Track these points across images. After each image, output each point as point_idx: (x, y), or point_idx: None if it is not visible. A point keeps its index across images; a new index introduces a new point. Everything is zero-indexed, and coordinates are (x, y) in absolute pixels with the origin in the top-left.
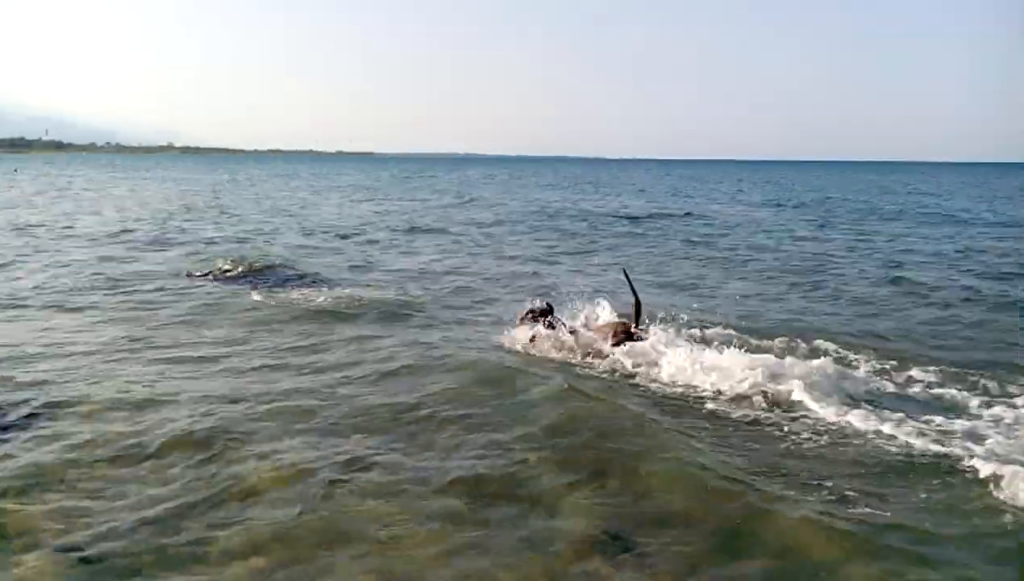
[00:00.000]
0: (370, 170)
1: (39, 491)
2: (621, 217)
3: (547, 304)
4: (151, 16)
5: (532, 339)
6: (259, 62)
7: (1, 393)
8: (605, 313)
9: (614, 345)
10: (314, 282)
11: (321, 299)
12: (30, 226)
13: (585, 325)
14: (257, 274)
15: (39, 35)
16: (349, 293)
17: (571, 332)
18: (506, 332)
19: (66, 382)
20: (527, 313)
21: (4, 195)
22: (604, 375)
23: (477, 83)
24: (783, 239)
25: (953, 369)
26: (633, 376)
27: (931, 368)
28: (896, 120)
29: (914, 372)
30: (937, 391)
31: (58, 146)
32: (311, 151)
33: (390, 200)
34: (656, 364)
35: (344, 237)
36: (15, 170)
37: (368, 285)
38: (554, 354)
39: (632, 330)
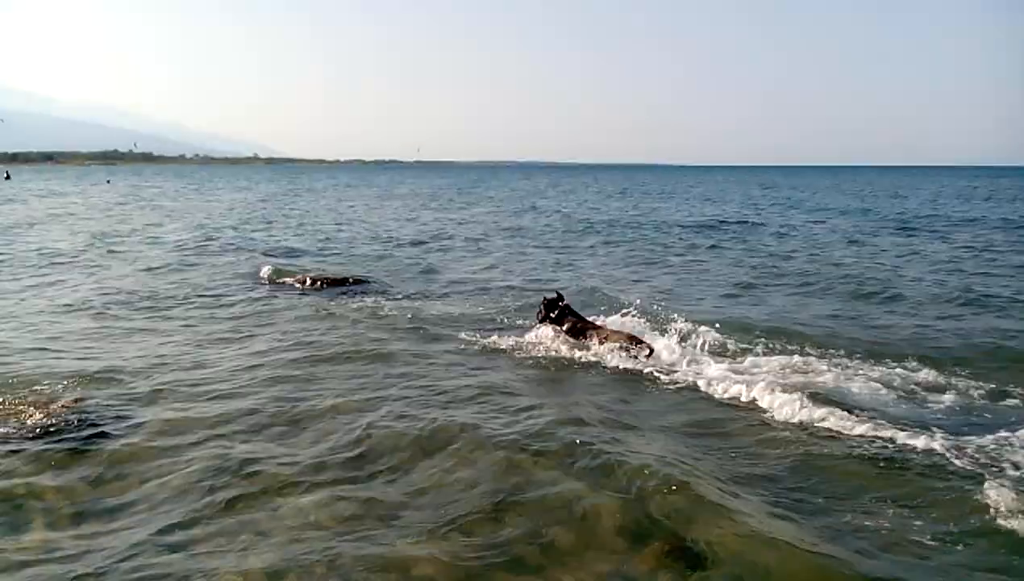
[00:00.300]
0: (447, 177)
1: None
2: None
3: (556, 293)
4: (240, 34)
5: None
6: (342, 76)
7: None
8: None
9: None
10: (387, 292)
11: (406, 314)
12: (118, 234)
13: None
14: (341, 284)
15: (128, 51)
16: (420, 305)
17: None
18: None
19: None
20: (541, 309)
21: (100, 200)
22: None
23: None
24: None
25: None
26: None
27: None
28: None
29: None
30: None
31: (148, 158)
32: (392, 161)
33: (463, 208)
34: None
35: (417, 243)
36: (107, 181)
37: (441, 296)
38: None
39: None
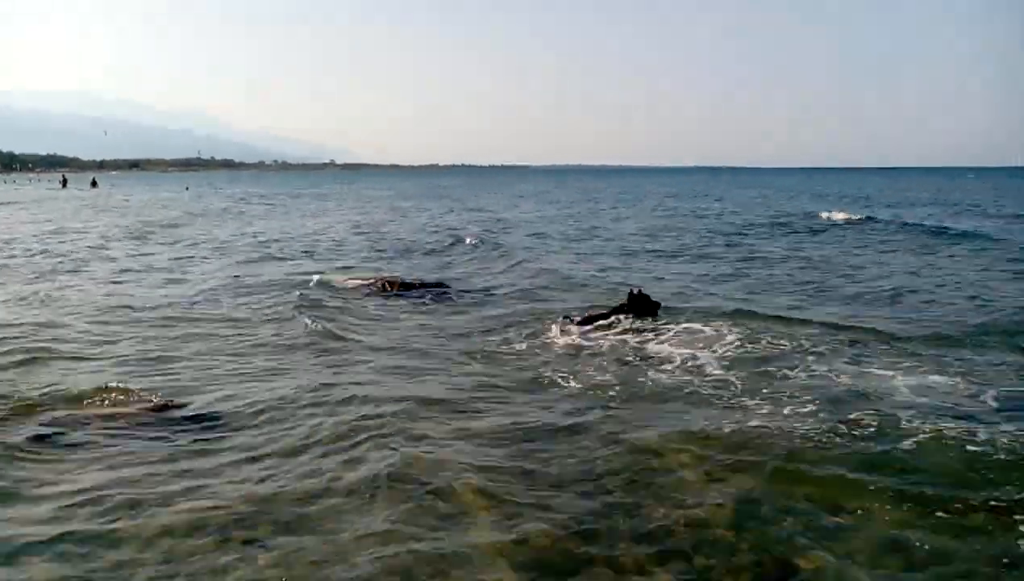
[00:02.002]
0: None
1: None
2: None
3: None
4: (320, 43)
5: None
6: (413, 84)
7: None
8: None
9: None
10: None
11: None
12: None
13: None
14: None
15: (204, 58)
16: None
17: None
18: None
19: None
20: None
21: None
22: None
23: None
24: None
25: None
26: None
27: None
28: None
29: None
30: None
31: (228, 165)
32: (464, 165)
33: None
34: None
35: (494, 247)
36: (186, 188)
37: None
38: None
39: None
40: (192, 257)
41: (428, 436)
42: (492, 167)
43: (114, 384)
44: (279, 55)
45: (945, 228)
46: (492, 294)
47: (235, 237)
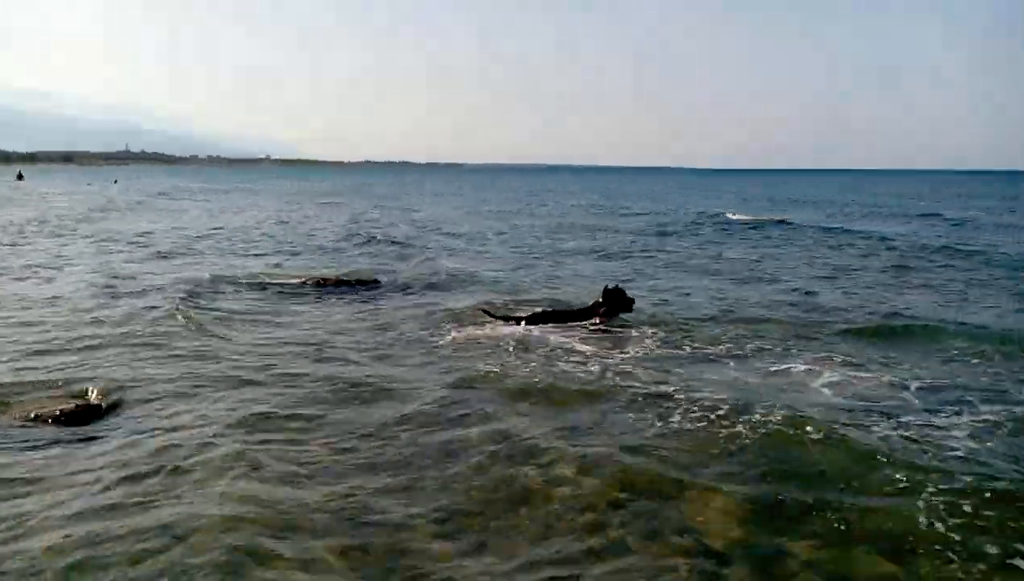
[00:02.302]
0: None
1: None
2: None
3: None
4: (259, 39)
5: None
6: (351, 80)
7: None
8: None
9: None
10: None
11: None
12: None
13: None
14: None
15: (139, 50)
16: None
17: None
18: None
19: None
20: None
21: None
22: None
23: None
24: None
25: None
26: None
27: None
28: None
29: None
30: None
31: (160, 158)
32: (401, 162)
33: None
34: None
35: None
36: (115, 181)
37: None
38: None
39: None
40: (95, 253)
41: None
42: (429, 165)
43: None
44: (218, 50)
45: (839, 228)
46: (408, 289)
47: (140, 235)
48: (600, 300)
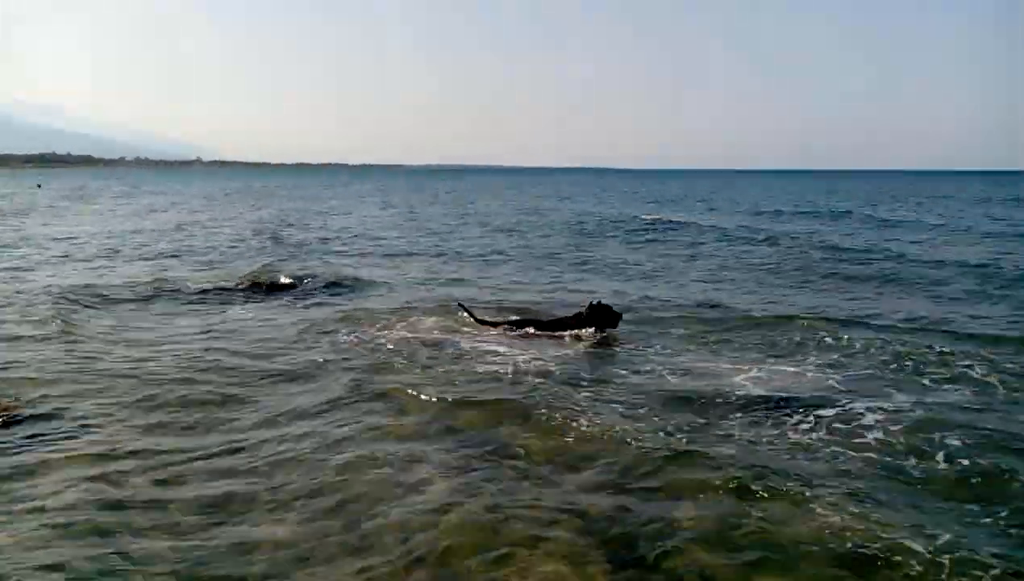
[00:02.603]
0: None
1: None
2: None
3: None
4: (192, 41)
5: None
6: (278, 77)
7: None
8: None
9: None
10: None
11: None
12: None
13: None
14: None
15: (58, 48)
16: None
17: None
18: None
19: None
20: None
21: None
22: None
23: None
24: None
25: None
26: None
27: None
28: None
29: None
30: None
31: (87, 160)
32: (337, 164)
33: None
34: None
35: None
36: (38, 186)
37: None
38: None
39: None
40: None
41: None
42: (364, 166)
43: None
44: (148, 51)
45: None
46: (305, 290)
47: (56, 238)
48: (583, 313)
